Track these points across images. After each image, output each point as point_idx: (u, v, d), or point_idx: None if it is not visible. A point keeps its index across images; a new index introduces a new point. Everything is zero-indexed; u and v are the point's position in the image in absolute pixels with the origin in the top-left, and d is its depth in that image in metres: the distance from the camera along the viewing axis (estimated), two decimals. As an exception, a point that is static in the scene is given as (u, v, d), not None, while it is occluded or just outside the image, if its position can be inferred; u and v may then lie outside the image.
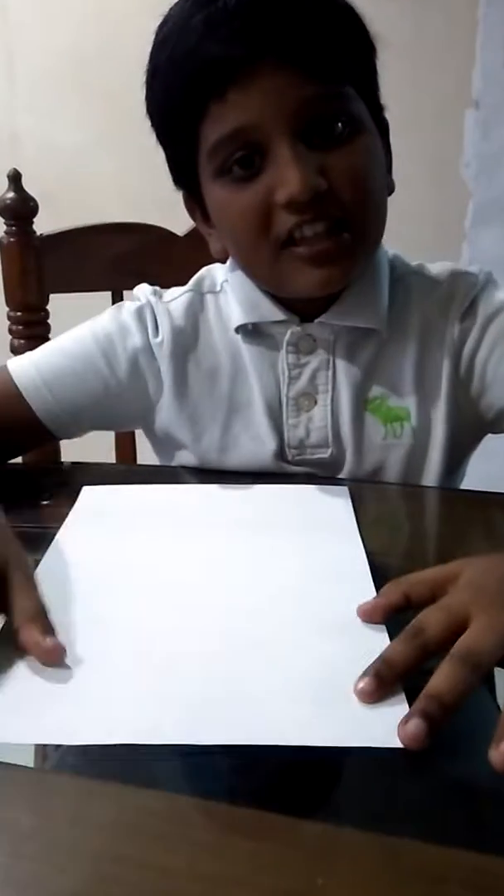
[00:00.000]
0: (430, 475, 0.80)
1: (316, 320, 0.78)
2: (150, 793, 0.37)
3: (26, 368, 0.81)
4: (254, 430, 0.81)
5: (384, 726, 0.39)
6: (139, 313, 0.82)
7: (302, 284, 0.72)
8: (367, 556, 0.59)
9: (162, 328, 0.81)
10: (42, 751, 0.42)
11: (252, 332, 0.80)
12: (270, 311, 0.78)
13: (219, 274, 0.84)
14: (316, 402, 0.79)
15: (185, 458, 0.85)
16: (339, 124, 0.68)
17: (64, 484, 0.78)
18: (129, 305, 0.84)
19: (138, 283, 0.87)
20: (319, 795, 0.38)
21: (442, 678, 0.41)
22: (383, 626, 0.48)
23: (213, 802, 0.37)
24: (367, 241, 0.73)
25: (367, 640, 0.47)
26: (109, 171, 1.95)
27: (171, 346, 0.81)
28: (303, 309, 0.78)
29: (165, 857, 0.34)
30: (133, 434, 1.14)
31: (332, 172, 0.67)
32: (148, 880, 0.33)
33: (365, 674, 0.42)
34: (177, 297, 0.84)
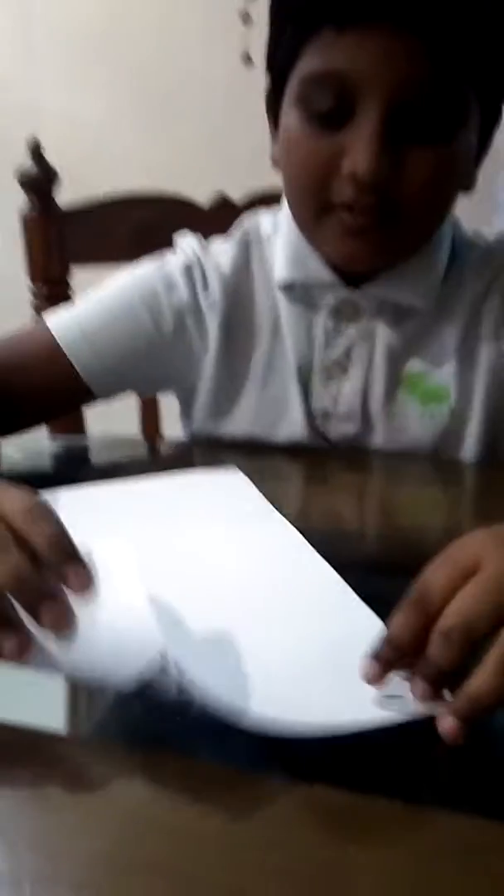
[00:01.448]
0: (466, 456, 0.78)
1: (362, 287, 0.75)
2: (182, 760, 0.38)
3: (68, 325, 0.78)
4: (284, 396, 0.79)
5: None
6: (187, 268, 0.80)
7: (334, 252, 0.70)
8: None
9: (211, 285, 0.79)
10: (75, 720, 0.43)
11: (294, 289, 0.77)
12: (317, 271, 0.75)
13: (265, 222, 0.81)
14: (348, 374, 0.77)
15: (213, 424, 0.83)
16: (437, 119, 0.64)
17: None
18: (175, 259, 0.81)
19: (161, 254, 0.85)
20: (349, 765, 0.38)
21: (484, 679, 0.37)
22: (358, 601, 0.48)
23: (244, 772, 0.37)
24: (415, 240, 0.72)
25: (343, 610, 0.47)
26: (131, 144, 1.93)
27: (219, 305, 0.79)
28: (351, 274, 0.74)
29: (197, 822, 0.34)
30: (157, 401, 1.14)
31: (407, 170, 0.64)
32: (179, 845, 0.33)
33: (370, 656, 0.39)
34: (224, 250, 0.81)
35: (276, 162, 0.73)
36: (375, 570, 0.53)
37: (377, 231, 0.67)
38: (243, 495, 0.66)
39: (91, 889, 0.31)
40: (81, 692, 0.44)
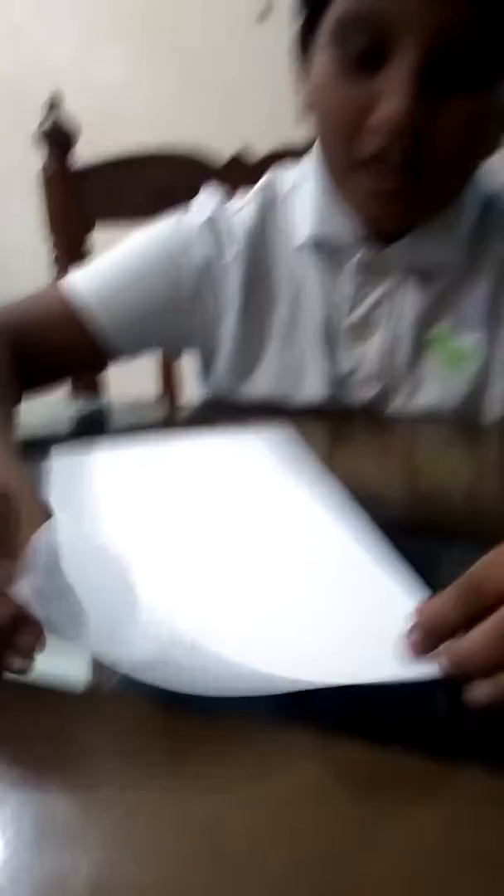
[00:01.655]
0: (489, 418, 0.77)
1: (391, 245, 0.73)
2: (206, 714, 0.38)
3: (85, 285, 0.77)
4: (305, 358, 0.78)
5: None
6: (207, 226, 0.78)
7: (362, 210, 0.69)
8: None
9: (230, 244, 0.77)
10: (98, 677, 0.43)
11: (319, 246, 0.76)
12: (344, 227, 0.73)
13: (288, 177, 0.79)
14: (374, 334, 0.76)
15: (233, 386, 0.82)
16: (476, 69, 0.61)
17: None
18: (194, 217, 0.79)
19: (180, 212, 0.83)
20: (376, 724, 0.38)
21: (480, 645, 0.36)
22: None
23: (270, 725, 0.37)
24: (445, 197, 0.70)
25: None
26: (149, 102, 1.90)
27: (238, 264, 0.77)
28: (378, 230, 0.73)
29: (222, 774, 0.35)
30: (177, 365, 1.14)
31: (440, 121, 0.62)
32: (204, 800, 0.34)
33: (411, 632, 0.39)
34: (245, 207, 0.79)
35: (306, 108, 0.71)
36: (398, 534, 0.52)
37: (406, 191, 0.66)
38: (291, 455, 0.65)
39: (119, 842, 0.32)
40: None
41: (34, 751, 0.36)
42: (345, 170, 0.68)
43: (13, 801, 0.34)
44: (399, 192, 0.66)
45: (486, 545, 0.41)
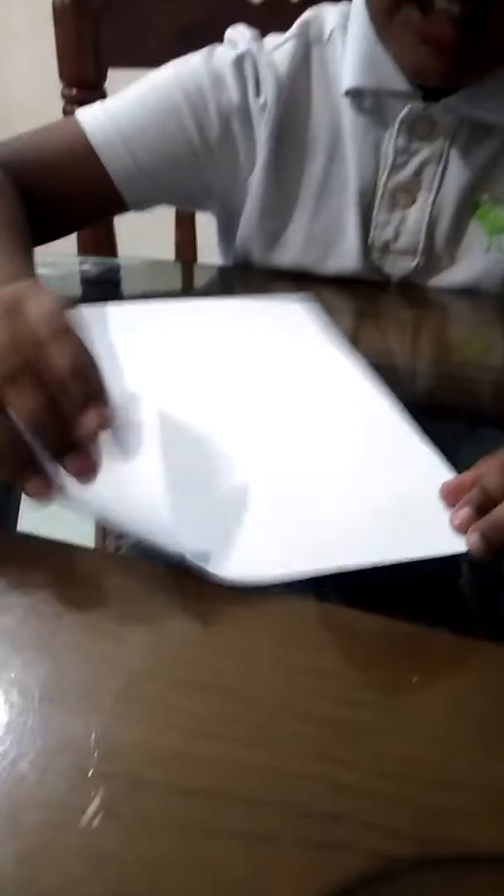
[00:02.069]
0: None
1: (442, 101, 0.67)
2: (226, 583, 0.36)
3: (102, 123, 0.71)
4: (338, 224, 0.73)
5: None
6: (239, 65, 0.71)
7: (402, 57, 0.63)
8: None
9: (265, 86, 0.70)
10: (101, 533, 0.41)
11: (362, 99, 0.69)
12: (392, 77, 0.67)
13: (329, 18, 0.72)
14: (415, 201, 0.71)
15: (257, 251, 0.77)
16: None
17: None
18: (225, 53, 0.72)
19: (209, 48, 0.75)
20: (412, 599, 0.37)
21: None
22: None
23: (302, 598, 0.36)
24: (499, 51, 0.63)
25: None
26: None
27: (272, 110, 0.70)
28: (429, 85, 0.67)
29: (246, 643, 0.33)
30: (194, 227, 1.08)
31: None
32: (226, 664, 0.32)
33: (464, 503, 0.39)
34: (283, 46, 0.71)
35: None
36: (423, 414, 0.50)
37: (455, 44, 0.59)
38: (314, 327, 0.63)
39: (128, 699, 0.31)
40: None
41: (40, 611, 0.35)
42: (392, 7, 0.60)
43: (19, 662, 0.33)
44: (451, 43, 0.59)
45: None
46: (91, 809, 0.26)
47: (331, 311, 0.66)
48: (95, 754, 0.28)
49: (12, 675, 0.32)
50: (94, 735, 0.29)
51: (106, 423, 0.39)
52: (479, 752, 0.29)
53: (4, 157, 0.70)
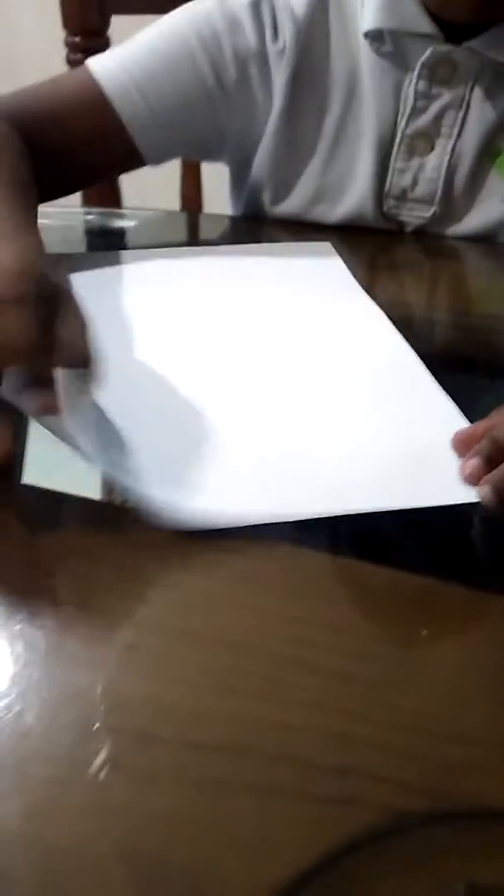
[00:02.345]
0: None
1: (464, 44, 0.65)
2: (241, 535, 0.36)
3: (112, 70, 0.68)
4: (355, 170, 0.71)
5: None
6: (256, 8, 0.68)
7: None
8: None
9: (282, 30, 0.68)
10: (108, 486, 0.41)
11: (382, 42, 0.67)
12: (414, 18, 0.64)
13: None
14: (433, 148, 0.69)
15: (269, 196, 0.74)
16: None
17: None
18: None
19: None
20: (423, 551, 0.36)
21: None
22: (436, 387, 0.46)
23: (312, 550, 0.35)
24: None
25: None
26: None
27: (291, 56, 0.68)
28: (452, 27, 0.64)
29: (257, 598, 0.33)
30: (199, 178, 1.06)
31: None
32: (237, 618, 0.32)
33: (474, 454, 0.39)
34: None
35: None
36: (439, 366, 0.49)
37: None
38: (334, 274, 0.62)
39: (136, 652, 0.31)
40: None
41: (45, 563, 0.35)
42: None
43: (23, 614, 0.32)
44: None
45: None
46: (97, 762, 0.26)
47: (345, 261, 0.65)
48: (102, 707, 0.28)
49: (17, 627, 0.31)
50: (100, 688, 0.29)
51: (52, 409, 0.38)
52: (490, 706, 0.28)
53: (10, 109, 0.67)
